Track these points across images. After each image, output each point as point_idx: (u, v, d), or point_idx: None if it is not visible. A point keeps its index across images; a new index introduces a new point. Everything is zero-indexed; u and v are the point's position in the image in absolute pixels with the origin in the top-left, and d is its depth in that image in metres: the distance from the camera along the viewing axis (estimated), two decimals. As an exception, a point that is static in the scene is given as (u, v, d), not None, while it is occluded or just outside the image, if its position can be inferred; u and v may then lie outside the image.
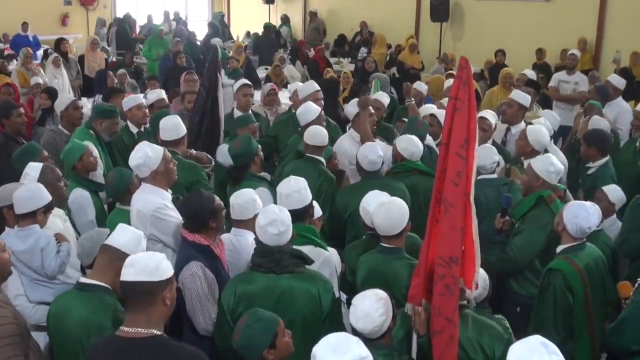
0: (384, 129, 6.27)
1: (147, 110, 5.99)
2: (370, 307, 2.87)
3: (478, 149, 4.28)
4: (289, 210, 3.48)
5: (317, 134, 5.06)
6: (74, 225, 4.35)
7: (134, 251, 2.95)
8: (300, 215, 3.62)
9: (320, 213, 4.04)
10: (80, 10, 17.91)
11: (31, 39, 14.24)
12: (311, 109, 5.55)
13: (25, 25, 14.40)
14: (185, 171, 4.62)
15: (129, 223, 3.93)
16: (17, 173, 4.31)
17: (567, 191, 4.64)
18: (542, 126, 5.25)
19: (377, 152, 4.69)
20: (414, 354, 3.01)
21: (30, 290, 3.66)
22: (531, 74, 8.47)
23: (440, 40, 13.49)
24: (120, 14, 17.45)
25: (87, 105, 8.66)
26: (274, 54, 13.88)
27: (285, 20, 17.40)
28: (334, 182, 4.98)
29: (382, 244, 3.64)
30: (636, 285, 3.61)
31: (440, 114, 5.80)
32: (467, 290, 2.87)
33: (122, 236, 3.04)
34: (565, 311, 3.66)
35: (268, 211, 3.25)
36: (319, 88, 6.32)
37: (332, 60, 14.02)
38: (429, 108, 6.38)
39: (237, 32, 18.05)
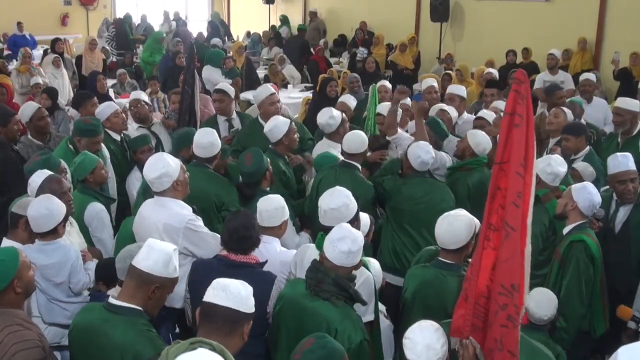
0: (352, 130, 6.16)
1: (124, 116, 5.88)
2: (431, 338, 2.66)
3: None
4: (326, 226, 3.39)
5: (354, 141, 4.86)
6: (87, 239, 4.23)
7: (163, 273, 2.77)
8: None
9: (367, 228, 3.85)
10: (80, 10, 17.92)
11: (28, 37, 14.23)
12: (279, 124, 5.06)
13: (20, 25, 14.36)
14: (221, 188, 4.52)
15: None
16: (9, 181, 4.21)
17: None
18: None
19: (430, 152, 4.61)
20: None
21: (46, 311, 3.55)
22: (494, 72, 8.61)
23: (440, 40, 13.47)
24: (120, 14, 17.46)
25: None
26: (301, 55, 13.58)
27: (285, 20, 17.39)
28: (371, 189, 4.78)
29: (439, 257, 3.49)
30: None
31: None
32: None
33: (148, 258, 2.76)
34: (589, 282, 3.81)
35: (342, 226, 3.11)
36: (273, 91, 5.89)
37: (332, 60, 14.01)
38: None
39: (237, 32, 18.05)
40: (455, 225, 3.39)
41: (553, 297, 3.49)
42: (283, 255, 3.68)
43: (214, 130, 4.79)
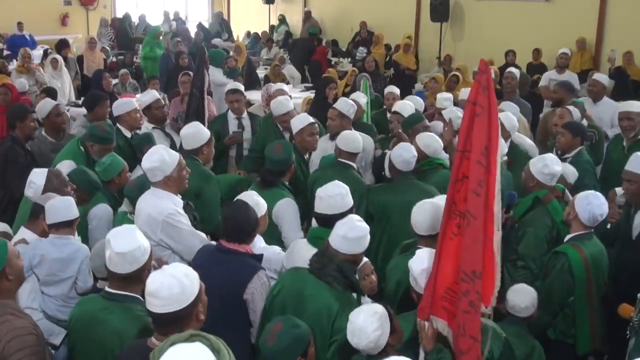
0: (362, 125, 6.20)
1: (142, 114, 5.86)
2: (365, 321, 2.80)
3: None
4: (320, 213, 3.57)
5: (351, 139, 4.94)
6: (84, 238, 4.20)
7: (143, 260, 2.83)
8: (329, 220, 3.49)
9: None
10: (80, 10, 17.90)
11: (28, 38, 14.22)
12: (304, 117, 5.36)
13: (20, 25, 14.39)
14: (198, 178, 4.50)
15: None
16: (23, 179, 4.21)
17: (566, 191, 4.60)
18: (507, 112, 5.67)
19: (411, 151, 4.62)
20: None
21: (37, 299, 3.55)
22: (517, 72, 8.41)
23: (440, 40, 13.48)
24: (120, 14, 17.47)
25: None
26: (305, 59, 13.55)
27: (283, 20, 17.42)
28: (365, 188, 4.83)
29: (417, 246, 3.53)
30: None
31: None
32: (483, 306, 2.66)
33: (124, 262, 2.80)
34: (563, 292, 3.74)
35: (348, 220, 3.24)
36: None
37: (333, 60, 14.01)
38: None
39: (237, 32, 18.06)
40: (433, 211, 3.46)
41: (532, 290, 3.56)
42: (264, 251, 3.70)
43: (199, 122, 4.95)
